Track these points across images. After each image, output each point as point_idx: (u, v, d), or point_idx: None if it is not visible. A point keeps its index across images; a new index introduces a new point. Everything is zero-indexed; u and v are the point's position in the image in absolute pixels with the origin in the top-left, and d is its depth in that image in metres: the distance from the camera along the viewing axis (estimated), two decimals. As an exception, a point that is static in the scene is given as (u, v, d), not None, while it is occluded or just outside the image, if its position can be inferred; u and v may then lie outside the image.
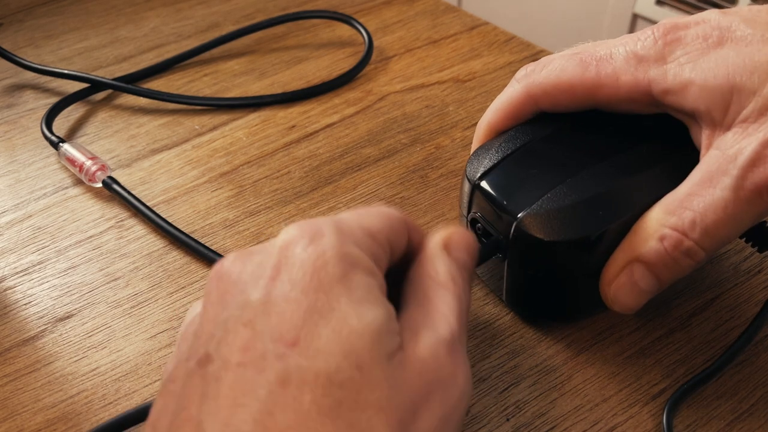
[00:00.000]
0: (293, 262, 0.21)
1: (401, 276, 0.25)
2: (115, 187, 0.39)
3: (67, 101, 0.46)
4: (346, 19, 0.53)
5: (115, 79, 0.48)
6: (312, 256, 0.21)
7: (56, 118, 0.45)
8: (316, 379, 0.19)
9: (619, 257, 0.28)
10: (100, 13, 0.58)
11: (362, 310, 0.20)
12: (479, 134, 0.33)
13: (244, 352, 0.20)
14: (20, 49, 0.53)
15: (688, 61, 0.27)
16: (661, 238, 0.26)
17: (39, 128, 0.45)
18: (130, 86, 0.47)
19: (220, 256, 0.35)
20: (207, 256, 0.35)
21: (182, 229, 0.37)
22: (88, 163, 0.40)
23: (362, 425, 0.19)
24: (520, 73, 0.32)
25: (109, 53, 0.53)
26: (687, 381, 0.29)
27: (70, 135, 0.45)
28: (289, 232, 0.22)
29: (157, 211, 0.38)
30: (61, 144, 0.41)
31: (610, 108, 0.30)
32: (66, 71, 0.47)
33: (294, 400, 0.19)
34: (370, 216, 0.24)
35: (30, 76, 0.50)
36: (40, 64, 0.49)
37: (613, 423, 0.28)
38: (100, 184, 0.39)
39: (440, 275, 0.24)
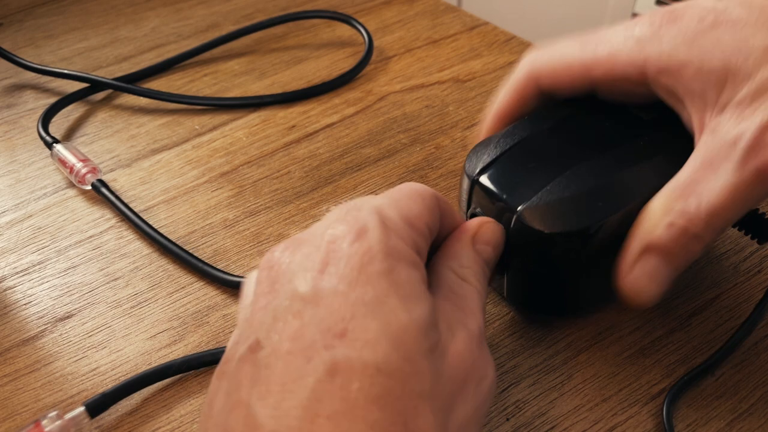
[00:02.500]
0: (340, 256, 0.22)
1: (428, 257, 0.26)
2: (104, 190, 0.39)
3: (65, 101, 0.46)
4: (346, 19, 0.53)
5: (115, 79, 0.48)
6: (359, 252, 0.22)
7: (56, 118, 0.45)
8: (364, 369, 0.20)
9: (630, 250, 0.28)
10: (100, 13, 0.58)
11: (410, 306, 0.21)
12: (489, 120, 0.34)
13: (293, 341, 0.20)
14: (20, 49, 0.53)
15: (684, 42, 0.28)
16: (670, 225, 0.27)
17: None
18: (130, 86, 0.47)
19: (206, 263, 0.35)
20: (191, 263, 0.35)
21: (180, 230, 0.37)
22: (78, 165, 0.40)
23: (409, 412, 0.20)
24: (524, 57, 0.33)
25: (109, 53, 0.53)
26: (686, 373, 0.29)
27: (70, 135, 0.45)
28: (337, 228, 0.23)
29: (158, 211, 0.38)
30: (54, 145, 0.41)
31: (606, 89, 0.30)
32: (66, 71, 0.47)
33: (341, 389, 0.19)
34: (407, 201, 0.24)
35: (30, 76, 0.50)
36: (40, 64, 0.49)
37: (613, 423, 0.28)
38: (89, 187, 0.39)
39: (464, 271, 0.25)
